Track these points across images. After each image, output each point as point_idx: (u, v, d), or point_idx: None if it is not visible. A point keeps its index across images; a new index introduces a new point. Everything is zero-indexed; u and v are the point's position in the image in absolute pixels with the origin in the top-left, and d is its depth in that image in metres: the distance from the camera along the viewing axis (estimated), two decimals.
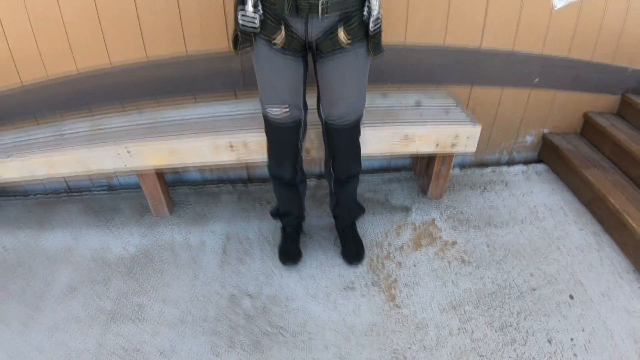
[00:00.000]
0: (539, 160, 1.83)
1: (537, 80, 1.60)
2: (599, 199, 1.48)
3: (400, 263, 1.26)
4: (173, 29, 1.32)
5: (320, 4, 0.81)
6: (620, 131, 1.67)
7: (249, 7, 0.82)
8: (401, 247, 1.31)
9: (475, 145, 1.33)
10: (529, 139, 1.77)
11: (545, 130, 1.78)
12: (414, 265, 1.25)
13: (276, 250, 1.27)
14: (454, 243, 1.34)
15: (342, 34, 0.86)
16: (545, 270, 1.26)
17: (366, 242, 1.30)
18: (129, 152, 1.27)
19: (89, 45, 1.38)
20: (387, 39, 1.18)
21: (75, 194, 1.67)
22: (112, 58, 1.38)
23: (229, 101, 1.40)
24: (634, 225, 1.28)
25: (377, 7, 0.86)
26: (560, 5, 1.46)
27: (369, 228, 1.36)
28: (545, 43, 1.53)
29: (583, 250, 1.35)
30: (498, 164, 1.79)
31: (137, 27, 1.32)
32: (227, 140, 1.22)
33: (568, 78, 1.64)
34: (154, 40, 1.34)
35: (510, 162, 1.80)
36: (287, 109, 0.96)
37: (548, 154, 1.80)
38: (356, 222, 1.30)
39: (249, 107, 1.34)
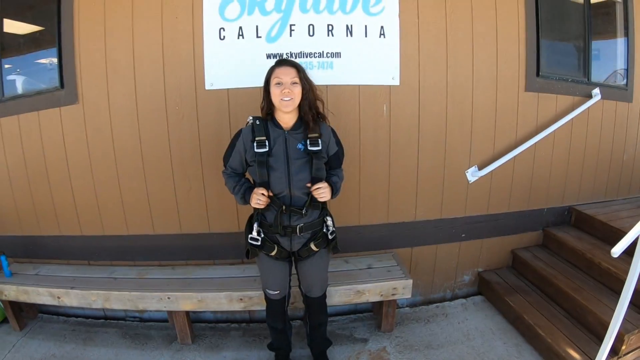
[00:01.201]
0: (478, 293, 2.99)
1: (464, 235, 2.81)
2: (518, 317, 2.60)
3: None
4: (201, 216, 2.58)
5: (297, 227, 1.97)
6: (539, 260, 2.88)
7: (254, 233, 1.98)
8: None
9: (410, 293, 2.48)
10: (466, 278, 2.97)
11: (480, 269, 2.97)
12: None
13: None
14: None
15: (313, 245, 2.03)
16: None
17: None
18: (169, 298, 2.41)
19: (140, 219, 2.61)
20: (347, 222, 2.42)
21: (111, 320, 2.81)
22: (156, 229, 2.62)
23: (238, 266, 2.63)
24: (542, 334, 2.38)
25: (332, 225, 2.03)
26: (473, 180, 2.68)
27: (337, 355, 2.46)
28: (467, 207, 2.77)
29: (504, 358, 2.40)
30: (443, 300, 2.96)
31: (176, 213, 2.58)
32: (238, 295, 2.39)
33: (490, 228, 2.86)
34: (187, 221, 2.60)
35: (454, 297, 2.98)
36: (279, 292, 2.13)
37: (483, 287, 2.97)
38: (326, 351, 2.37)
39: (252, 272, 2.55)
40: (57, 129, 2.55)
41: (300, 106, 1.87)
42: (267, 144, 1.86)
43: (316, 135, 1.88)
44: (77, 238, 2.74)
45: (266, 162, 1.85)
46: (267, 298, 2.18)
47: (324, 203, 1.99)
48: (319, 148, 1.88)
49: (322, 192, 1.88)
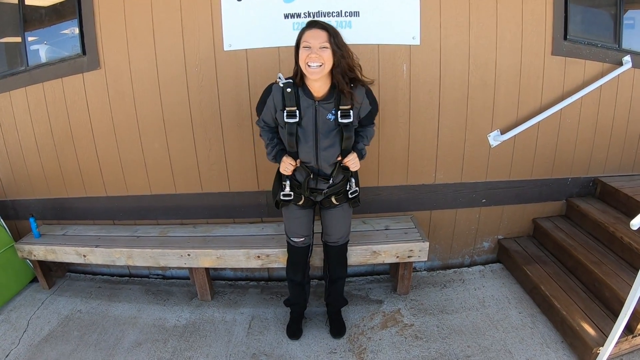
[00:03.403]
0: (497, 261, 3.02)
1: (484, 200, 2.82)
2: (535, 287, 2.61)
3: (370, 338, 2.40)
4: (221, 176, 2.68)
5: (323, 192, 2.06)
6: (560, 231, 2.86)
7: (287, 189, 2.05)
8: (372, 328, 2.46)
9: (426, 256, 2.53)
10: (485, 244, 2.99)
11: (500, 236, 2.99)
12: (380, 340, 2.39)
13: (285, 327, 2.45)
14: (412, 325, 2.47)
15: (333, 199, 2.11)
16: (480, 344, 2.33)
17: (348, 324, 2.47)
18: (189, 255, 2.54)
19: (162, 180, 2.74)
20: (365, 183, 2.48)
21: (135, 278, 2.97)
22: (178, 189, 2.75)
23: (257, 224, 2.74)
24: (558, 305, 2.38)
25: (354, 186, 2.10)
26: (496, 144, 2.67)
27: (351, 314, 2.55)
28: (488, 172, 2.78)
29: (518, 328, 2.43)
30: (461, 266, 3.00)
31: (197, 173, 2.70)
32: (255, 252, 2.50)
33: (511, 195, 2.86)
34: (208, 181, 2.71)
35: (472, 264, 3.02)
36: (303, 239, 2.23)
37: (502, 255, 3.00)
38: (341, 310, 2.46)
39: (270, 230, 2.66)
40: (80, 94, 2.68)
41: (332, 74, 1.82)
42: (297, 113, 1.87)
43: (347, 107, 1.87)
44: (102, 199, 2.90)
45: (296, 132, 1.89)
46: (291, 247, 2.27)
47: (349, 171, 2.04)
48: (350, 120, 1.89)
49: (352, 163, 1.96)
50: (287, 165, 1.94)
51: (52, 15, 2.79)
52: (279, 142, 2.02)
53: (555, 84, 2.71)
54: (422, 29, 2.46)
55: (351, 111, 1.88)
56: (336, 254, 2.31)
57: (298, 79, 1.86)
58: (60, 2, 2.74)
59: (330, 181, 2.00)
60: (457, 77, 2.57)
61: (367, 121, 2.03)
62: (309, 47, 1.74)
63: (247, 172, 2.68)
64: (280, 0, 2.40)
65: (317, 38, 1.73)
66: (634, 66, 2.79)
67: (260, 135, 2.09)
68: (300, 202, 2.11)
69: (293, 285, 2.39)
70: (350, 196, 2.11)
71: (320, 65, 1.74)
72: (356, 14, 2.42)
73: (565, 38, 2.65)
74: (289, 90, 1.85)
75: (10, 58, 2.96)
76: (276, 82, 1.90)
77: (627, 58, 2.81)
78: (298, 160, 1.95)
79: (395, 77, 2.52)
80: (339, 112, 1.86)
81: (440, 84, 2.56)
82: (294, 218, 2.19)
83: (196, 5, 2.43)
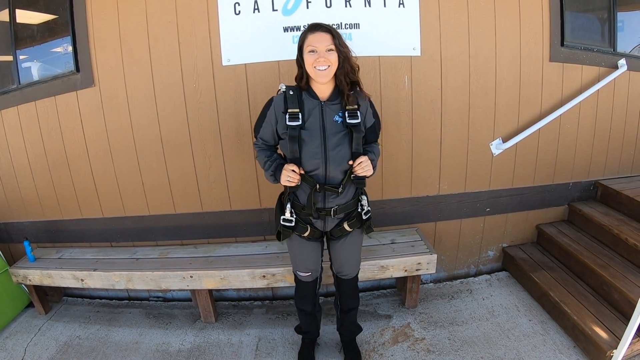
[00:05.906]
0: (502, 269, 2.95)
1: (488, 209, 2.75)
2: (544, 294, 2.55)
3: (382, 354, 2.31)
4: (222, 194, 2.57)
5: (332, 210, 1.89)
6: (565, 236, 2.81)
7: (287, 214, 1.90)
8: (383, 344, 2.36)
9: (435, 268, 2.44)
10: (491, 253, 2.93)
11: (505, 245, 2.93)
12: (392, 356, 2.29)
13: (295, 347, 2.34)
14: (423, 339, 2.38)
15: (346, 225, 1.94)
16: (493, 354, 2.25)
17: (358, 341, 2.35)
18: (191, 276, 2.42)
19: (161, 199, 2.62)
20: (369, 196, 2.35)
21: (135, 301, 2.84)
22: (177, 209, 2.63)
23: (260, 243, 2.63)
24: (568, 311, 2.33)
25: (367, 204, 1.95)
26: (498, 152, 2.62)
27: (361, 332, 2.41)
28: (491, 181, 2.71)
29: (529, 335, 2.37)
30: (467, 276, 2.93)
31: (197, 192, 2.58)
32: (260, 272, 2.38)
33: (515, 203, 2.80)
34: (208, 199, 2.59)
35: (478, 273, 2.94)
36: (310, 274, 2.07)
37: (508, 263, 2.93)
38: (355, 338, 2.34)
39: (274, 248, 2.55)
40: (74, 113, 2.56)
41: (335, 75, 1.74)
42: (300, 116, 1.75)
43: (354, 107, 1.78)
44: (99, 220, 2.76)
45: (298, 136, 1.75)
46: (298, 280, 2.13)
47: (363, 181, 1.86)
48: (358, 121, 1.77)
49: (365, 165, 1.76)
50: (289, 173, 1.74)
51: (45, 33, 2.67)
52: (278, 156, 1.88)
53: (554, 89, 2.67)
54: (422, 39, 2.39)
55: (358, 112, 1.77)
56: (349, 286, 2.15)
57: (303, 82, 1.78)
58: (53, 19, 2.63)
59: (340, 189, 1.79)
60: (458, 87, 2.51)
61: (371, 137, 1.90)
62: (315, 51, 1.67)
63: (248, 190, 2.57)
64: (279, 13, 2.32)
65: (323, 41, 1.67)
66: (629, 69, 2.78)
67: (257, 158, 1.93)
68: (306, 234, 1.93)
69: (303, 314, 2.23)
70: (364, 218, 1.92)
71: (328, 67, 1.69)
72: (356, 25, 2.35)
73: (562, 44, 2.61)
74: (291, 92, 1.77)
75: (1, 76, 2.84)
76: (277, 93, 1.81)
77: (622, 61, 2.80)
78: (301, 168, 1.76)
79: (397, 88, 2.45)
80: (346, 113, 1.76)
81: (441, 94, 2.49)
82: (299, 251, 2.02)
83: (193, 20, 2.34)
